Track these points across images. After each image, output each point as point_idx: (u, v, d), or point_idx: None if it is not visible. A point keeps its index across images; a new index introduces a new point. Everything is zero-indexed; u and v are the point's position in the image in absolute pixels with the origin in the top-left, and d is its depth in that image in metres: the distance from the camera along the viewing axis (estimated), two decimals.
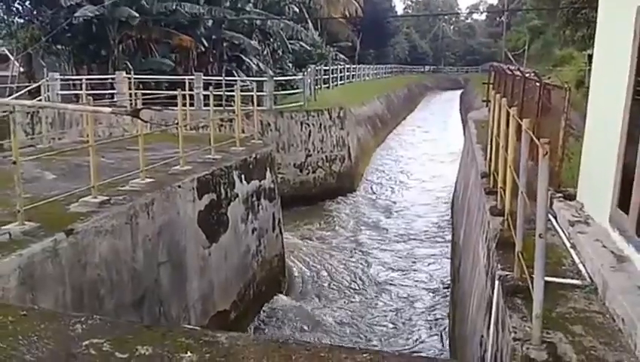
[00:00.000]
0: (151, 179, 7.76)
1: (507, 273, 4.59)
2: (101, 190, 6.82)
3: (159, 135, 11.59)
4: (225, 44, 25.39)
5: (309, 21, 36.65)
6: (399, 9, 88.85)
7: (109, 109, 7.05)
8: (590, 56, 14.87)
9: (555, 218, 6.15)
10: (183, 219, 7.96)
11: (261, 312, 10.21)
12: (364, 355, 3.57)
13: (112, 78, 19.31)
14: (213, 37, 24.64)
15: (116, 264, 6.41)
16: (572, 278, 4.62)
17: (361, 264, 13.26)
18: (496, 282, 4.68)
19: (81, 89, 17.05)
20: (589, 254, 4.83)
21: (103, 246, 6.19)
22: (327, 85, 28.21)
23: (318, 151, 18.51)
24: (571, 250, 5.25)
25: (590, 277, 4.58)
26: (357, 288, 11.93)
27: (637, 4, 4.75)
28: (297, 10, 33.56)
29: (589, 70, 13.01)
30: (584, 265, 4.84)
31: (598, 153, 5.83)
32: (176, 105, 9.28)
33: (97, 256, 6.10)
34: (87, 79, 17.94)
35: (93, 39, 22.25)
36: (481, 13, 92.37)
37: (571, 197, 6.47)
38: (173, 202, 7.74)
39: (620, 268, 4.33)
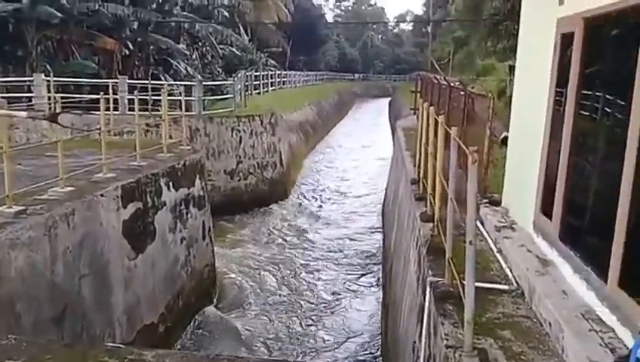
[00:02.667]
0: (71, 188, 7.36)
1: (438, 279, 4.63)
2: (17, 199, 6.40)
3: (81, 141, 11.04)
4: (151, 47, 24.69)
5: (240, 26, 36.32)
6: (329, 17, 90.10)
7: (24, 113, 6.64)
8: (511, 67, 15.53)
9: (482, 223, 6.30)
10: (107, 230, 7.59)
11: (191, 325, 9.90)
12: None
13: (30, 81, 18.27)
14: (139, 40, 23.93)
15: (34, 278, 6.01)
16: (500, 283, 4.73)
17: (295, 274, 13.14)
18: (428, 288, 4.72)
19: None
20: (515, 259, 4.96)
21: (19, 259, 5.79)
22: (257, 91, 28.00)
23: (249, 158, 18.27)
24: (498, 255, 5.39)
25: (517, 282, 4.70)
26: (290, 299, 11.78)
27: (557, 16, 4.95)
28: (227, 14, 33.13)
29: (511, 80, 13.58)
30: (511, 270, 4.97)
31: (522, 160, 6.04)
32: (99, 110, 8.86)
33: (13, 270, 5.70)
34: (1, 81, 16.91)
35: (9, 39, 21.01)
36: (408, 23, 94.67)
37: (497, 203, 6.66)
38: (96, 211, 7.36)
39: (545, 273, 4.47)
